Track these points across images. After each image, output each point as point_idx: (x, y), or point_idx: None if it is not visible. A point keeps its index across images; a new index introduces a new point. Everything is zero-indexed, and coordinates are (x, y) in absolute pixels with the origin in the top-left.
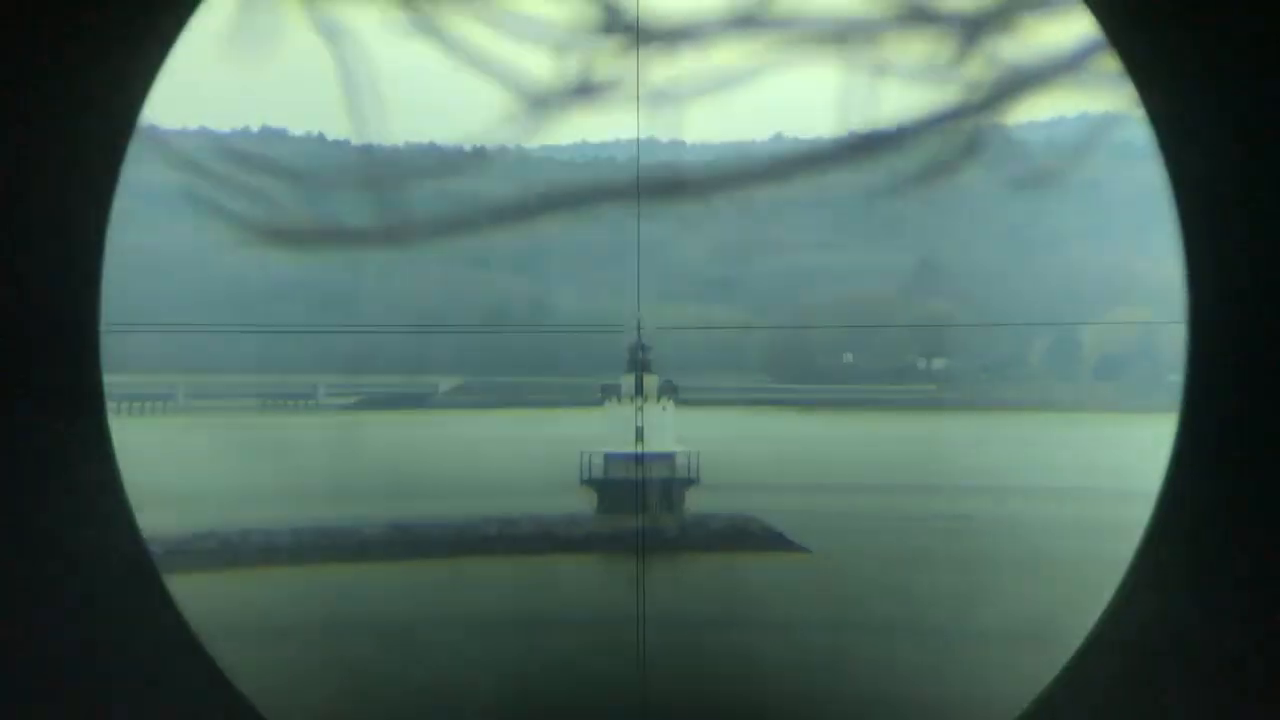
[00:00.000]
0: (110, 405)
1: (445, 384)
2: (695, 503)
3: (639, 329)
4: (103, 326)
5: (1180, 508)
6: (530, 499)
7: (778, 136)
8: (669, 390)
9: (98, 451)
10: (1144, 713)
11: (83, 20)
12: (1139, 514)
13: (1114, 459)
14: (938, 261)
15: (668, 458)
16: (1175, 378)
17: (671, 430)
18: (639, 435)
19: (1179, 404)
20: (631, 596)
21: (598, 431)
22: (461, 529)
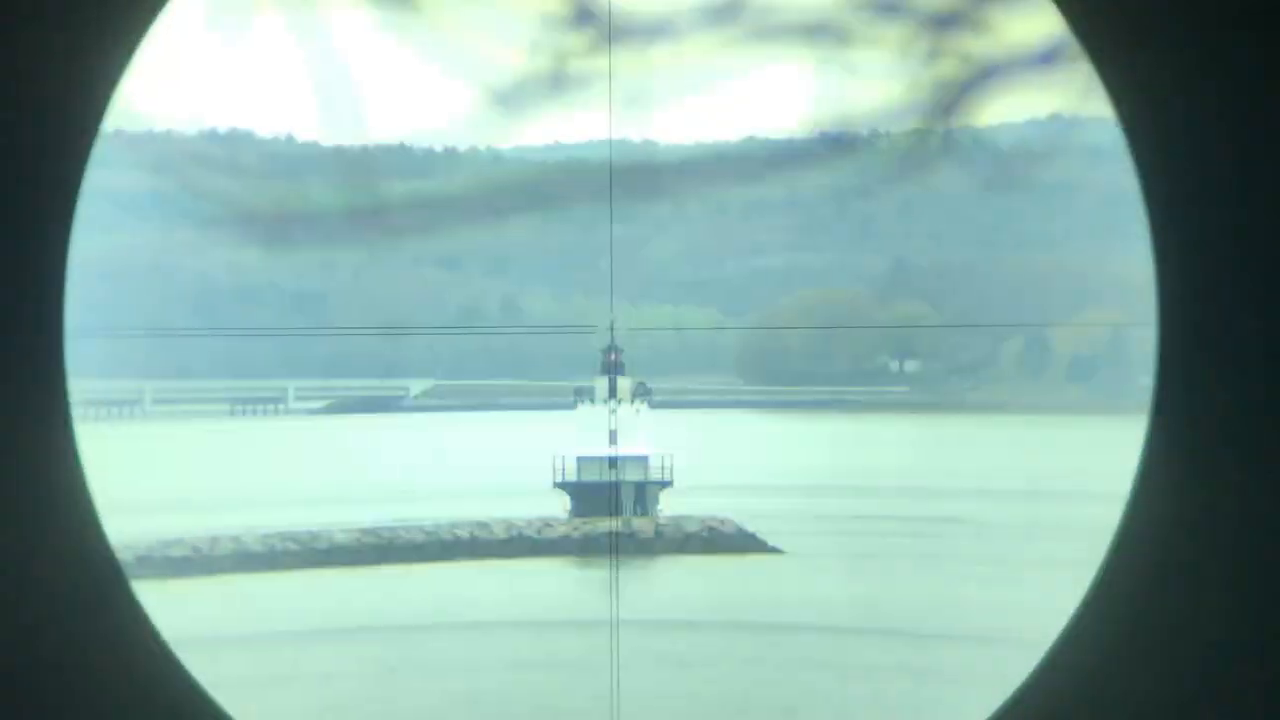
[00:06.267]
0: (76, 411)
1: (416, 387)
2: (669, 505)
3: (612, 330)
4: (67, 331)
5: (1151, 509)
6: (503, 502)
7: (750, 137)
8: (642, 392)
9: (64, 458)
10: (1116, 712)
11: (46, 20)
12: (1110, 515)
13: (1085, 461)
14: (909, 263)
15: (641, 460)
16: (1146, 380)
17: (645, 432)
18: (612, 438)
19: (1149, 406)
20: (605, 599)
21: (570, 434)
22: (433, 533)
